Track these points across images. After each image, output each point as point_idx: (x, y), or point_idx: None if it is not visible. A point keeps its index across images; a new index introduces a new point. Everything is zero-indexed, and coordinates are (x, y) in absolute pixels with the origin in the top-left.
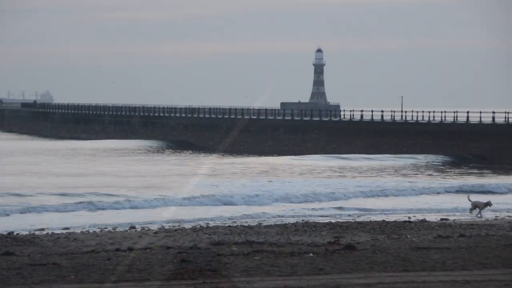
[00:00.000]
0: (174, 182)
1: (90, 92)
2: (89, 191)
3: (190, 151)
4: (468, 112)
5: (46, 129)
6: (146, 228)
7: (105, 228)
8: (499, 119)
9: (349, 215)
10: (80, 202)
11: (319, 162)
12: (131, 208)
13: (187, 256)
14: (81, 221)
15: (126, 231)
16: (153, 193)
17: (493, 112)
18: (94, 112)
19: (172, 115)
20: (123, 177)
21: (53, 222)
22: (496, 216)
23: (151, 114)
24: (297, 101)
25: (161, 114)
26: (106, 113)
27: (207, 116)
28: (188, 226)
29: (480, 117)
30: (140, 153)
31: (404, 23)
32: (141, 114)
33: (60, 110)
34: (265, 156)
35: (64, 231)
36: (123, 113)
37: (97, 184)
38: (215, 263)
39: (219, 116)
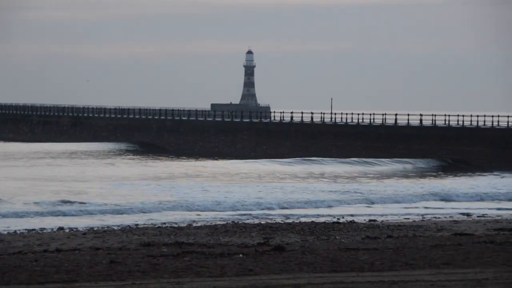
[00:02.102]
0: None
1: (15, 91)
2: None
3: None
4: (396, 115)
5: None
6: (74, 229)
7: (32, 229)
8: (427, 121)
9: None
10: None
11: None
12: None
13: (116, 257)
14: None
15: (54, 232)
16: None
17: (421, 115)
18: (22, 112)
19: (102, 115)
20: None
21: None
22: (423, 218)
23: (80, 115)
24: (227, 102)
25: (90, 115)
26: (34, 113)
27: (136, 116)
28: (117, 227)
29: (408, 120)
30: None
31: (336, 26)
32: (70, 114)
33: None
34: (197, 158)
35: None
36: (52, 114)
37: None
38: (144, 264)
39: (149, 117)
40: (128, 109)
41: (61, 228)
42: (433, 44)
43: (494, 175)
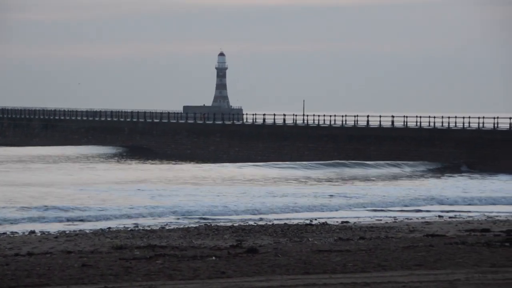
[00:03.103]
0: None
1: None
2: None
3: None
4: (368, 116)
5: None
6: (46, 233)
7: (3, 233)
8: (398, 123)
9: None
10: None
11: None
12: None
13: (88, 261)
14: None
15: (26, 235)
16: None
17: (392, 116)
18: None
19: (73, 118)
20: None
21: None
22: (395, 219)
23: (51, 117)
24: (200, 104)
25: (62, 118)
26: (5, 116)
27: (108, 119)
28: (89, 230)
29: (380, 121)
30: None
31: (307, 27)
32: (41, 117)
33: None
34: (173, 160)
35: None
36: (22, 116)
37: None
38: (116, 267)
39: (121, 119)
40: (100, 111)
41: (32, 232)
42: (405, 44)
43: (463, 176)
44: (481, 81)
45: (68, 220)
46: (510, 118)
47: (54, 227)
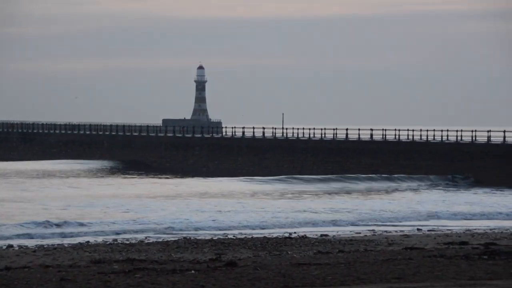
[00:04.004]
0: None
1: None
2: None
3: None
4: (347, 129)
5: None
6: (24, 247)
7: None
8: (377, 136)
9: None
10: None
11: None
12: None
13: (67, 275)
14: None
15: (3, 249)
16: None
17: (371, 129)
18: None
19: (52, 131)
20: None
21: None
22: (374, 232)
23: (29, 131)
24: (180, 117)
25: (40, 131)
26: None
27: (87, 132)
28: (68, 244)
29: (359, 134)
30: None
31: (286, 41)
32: (20, 130)
33: None
34: (153, 174)
35: None
36: (0, 130)
37: None
38: (95, 281)
39: (100, 133)
40: (79, 125)
41: (10, 246)
42: (381, 58)
43: (440, 189)
44: (460, 94)
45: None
46: (488, 131)
47: (32, 242)
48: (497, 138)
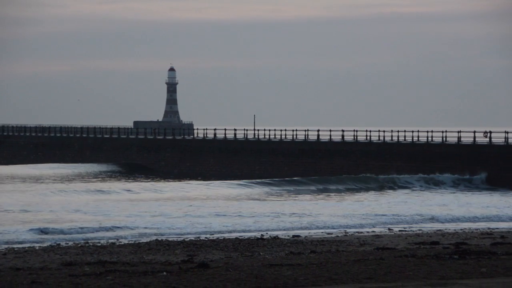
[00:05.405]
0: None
1: None
2: None
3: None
4: (318, 131)
5: None
6: None
7: None
8: (349, 137)
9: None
10: None
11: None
12: None
13: (38, 278)
14: None
15: None
16: None
17: (342, 131)
18: None
19: (22, 134)
20: None
21: None
22: (346, 233)
23: None
24: (152, 119)
25: (10, 133)
26: None
27: (58, 135)
28: (39, 246)
29: (330, 135)
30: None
31: (257, 42)
32: None
33: None
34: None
35: None
36: None
37: None
38: (66, 284)
39: (71, 135)
40: (49, 127)
41: None
42: (353, 58)
43: (409, 189)
44: (427, 95)
45: None
46: (458, 131)
47: (2, 246)
48: (468, 138)
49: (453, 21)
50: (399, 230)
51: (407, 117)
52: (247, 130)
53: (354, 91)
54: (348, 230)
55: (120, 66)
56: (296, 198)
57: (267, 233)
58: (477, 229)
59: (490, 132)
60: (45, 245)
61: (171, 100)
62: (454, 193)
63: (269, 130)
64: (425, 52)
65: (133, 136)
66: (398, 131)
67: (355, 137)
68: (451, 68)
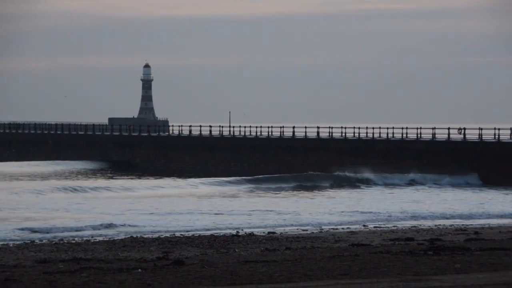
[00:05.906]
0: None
1: None
2: None
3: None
4: (293, 127)
5: None
6: None
7: None
8: (324, 134)
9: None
10: None
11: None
12: None
13: (12, 275)
14: None
15: None
16: None
17: (318, 127)
18: None
19: None
20: None
21: None
22: (321, 229)
23: None
24: (127, 116)
25: None
26: None
27: (32, 131)
28: (12, 244)
29: (306, 132)
30: None
31: (232, 39)
32: None
33: None
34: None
35: None
36: None
37: None
38: (40, 281)
39: (45, 132)
40: (23, 124)
41: None
42: (329, 56)
43: (381, 185)
44: (403, 92)
45: None
46: (433, 128)
47: None
48: (442, 135)
49: (425, 17)
50: (374, 227)
51: (383, 114)
52: (222, 126)
53: (331, 87)
54: (323, 226)
55: (95, 63)
56: (272, 195)
57: (242, 230)
58: (451, 225)
59: (464, 128)
60: (18, 242)
61: (146, 97)
62: (428, 190)
63: (245, 127)
64: (397, 48)
65: (108, 133)
66: (373, 128)
67: (330, 134)
68: (427, 64)
